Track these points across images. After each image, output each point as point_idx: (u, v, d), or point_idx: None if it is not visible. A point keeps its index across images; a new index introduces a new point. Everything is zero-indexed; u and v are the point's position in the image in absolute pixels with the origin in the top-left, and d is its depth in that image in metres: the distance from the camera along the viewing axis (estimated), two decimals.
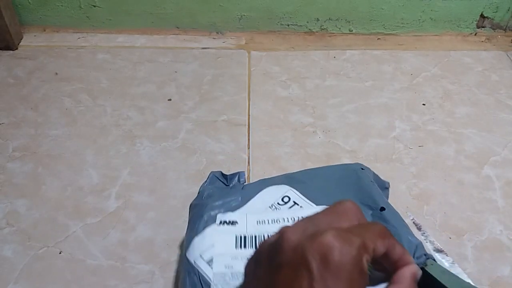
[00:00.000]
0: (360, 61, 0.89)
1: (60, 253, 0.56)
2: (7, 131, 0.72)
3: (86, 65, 0.86)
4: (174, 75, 0.84)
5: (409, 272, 0.28)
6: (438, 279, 0.30)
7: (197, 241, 0.42)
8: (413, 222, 0.38)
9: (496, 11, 0.94)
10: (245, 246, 0.40)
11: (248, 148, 0.71)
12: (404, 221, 0.43)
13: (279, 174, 0.51)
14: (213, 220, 0.43)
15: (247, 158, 0.69)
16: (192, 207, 0.48)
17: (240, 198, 0.45)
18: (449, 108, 0.79)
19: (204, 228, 0.42)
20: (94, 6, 0.91)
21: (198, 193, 0.49)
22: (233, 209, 0.44)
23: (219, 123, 0.75)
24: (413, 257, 0.38)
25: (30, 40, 0.91)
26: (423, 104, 0.80)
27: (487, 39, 0.97)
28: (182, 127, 0.74)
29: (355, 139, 0.72)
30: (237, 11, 0.92)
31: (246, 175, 0.66)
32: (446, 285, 0.30)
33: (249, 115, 0.76)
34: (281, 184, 0.47)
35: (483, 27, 0.97)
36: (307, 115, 0.77)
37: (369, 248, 0.25)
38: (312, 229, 0.26)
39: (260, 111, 0.77)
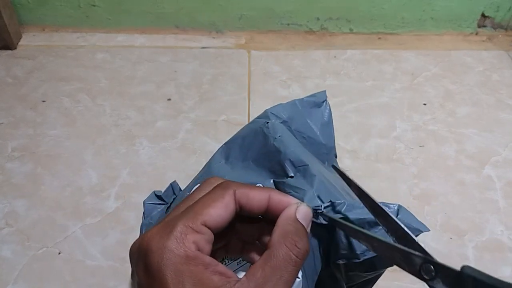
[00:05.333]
0: (360, 61, 0.89)
1: (59, 253, 0.56)
2: (6, 131, 0.72)
3: (85, 64, 0.85)
4: (173, 74, 0.84)
5: (286, 213, 0.23)
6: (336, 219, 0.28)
7: None
8: None
9: (497, 11, 0.94)
10: None
11: None
12: (322, 182, 0.37)
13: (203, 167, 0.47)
14: None
15: None
16: None
17: None
18: (450, 108, 0.79)
19: None
20: (94, 6, 0.90)
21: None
22: None
23: (219, 123, 0.74)
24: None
25: (29, 40, 0.91)
26: (424, 104, 0.80)
27: (488, 38, 0.96)
28: (181, 127, 0.73)
29: (355, 139, 0.72)
30: (237, 10, 0.92)
31: None
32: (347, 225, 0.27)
33: (249, 115, 0.76)
34: None
35: (484, 26, 0.96)
36: None
37: (193, 227, 0.22)
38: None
39: (260, 111, 0.76)
